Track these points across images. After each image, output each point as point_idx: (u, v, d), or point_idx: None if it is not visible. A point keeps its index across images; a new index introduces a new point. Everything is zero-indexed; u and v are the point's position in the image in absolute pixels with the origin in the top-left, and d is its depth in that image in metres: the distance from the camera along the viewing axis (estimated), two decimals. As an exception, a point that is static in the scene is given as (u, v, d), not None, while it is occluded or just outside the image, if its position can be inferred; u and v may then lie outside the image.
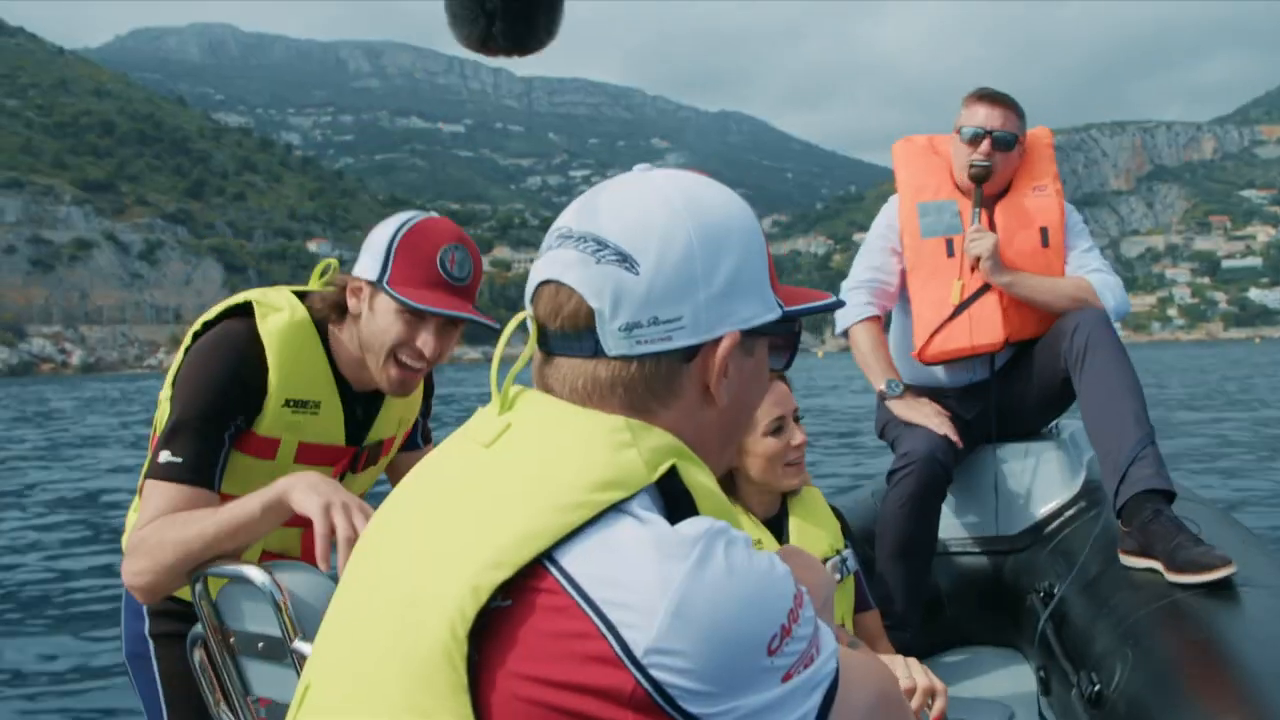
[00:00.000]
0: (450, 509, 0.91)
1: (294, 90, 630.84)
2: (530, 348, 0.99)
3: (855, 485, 4.50)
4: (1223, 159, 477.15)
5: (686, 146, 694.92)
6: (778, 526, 2.24)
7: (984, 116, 3.08)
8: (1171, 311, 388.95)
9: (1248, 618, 2.02)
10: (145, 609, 2.11)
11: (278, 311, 1.97)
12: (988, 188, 3.10)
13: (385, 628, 0.88)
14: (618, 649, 0.79)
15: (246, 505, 1.75)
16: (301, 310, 1.99)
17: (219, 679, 1.88)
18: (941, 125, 3.30)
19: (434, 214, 2.01)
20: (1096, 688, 2.08)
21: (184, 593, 1.92)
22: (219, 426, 1.87)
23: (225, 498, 1.87)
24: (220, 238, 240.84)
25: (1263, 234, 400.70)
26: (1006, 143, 3.07)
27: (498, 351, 1.01)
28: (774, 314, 0.99)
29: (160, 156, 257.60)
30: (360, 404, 2.09)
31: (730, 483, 2.23)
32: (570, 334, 0.95)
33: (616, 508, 0.86)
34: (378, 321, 1.92)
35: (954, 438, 2.92)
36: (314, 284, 2.06)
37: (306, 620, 1.67)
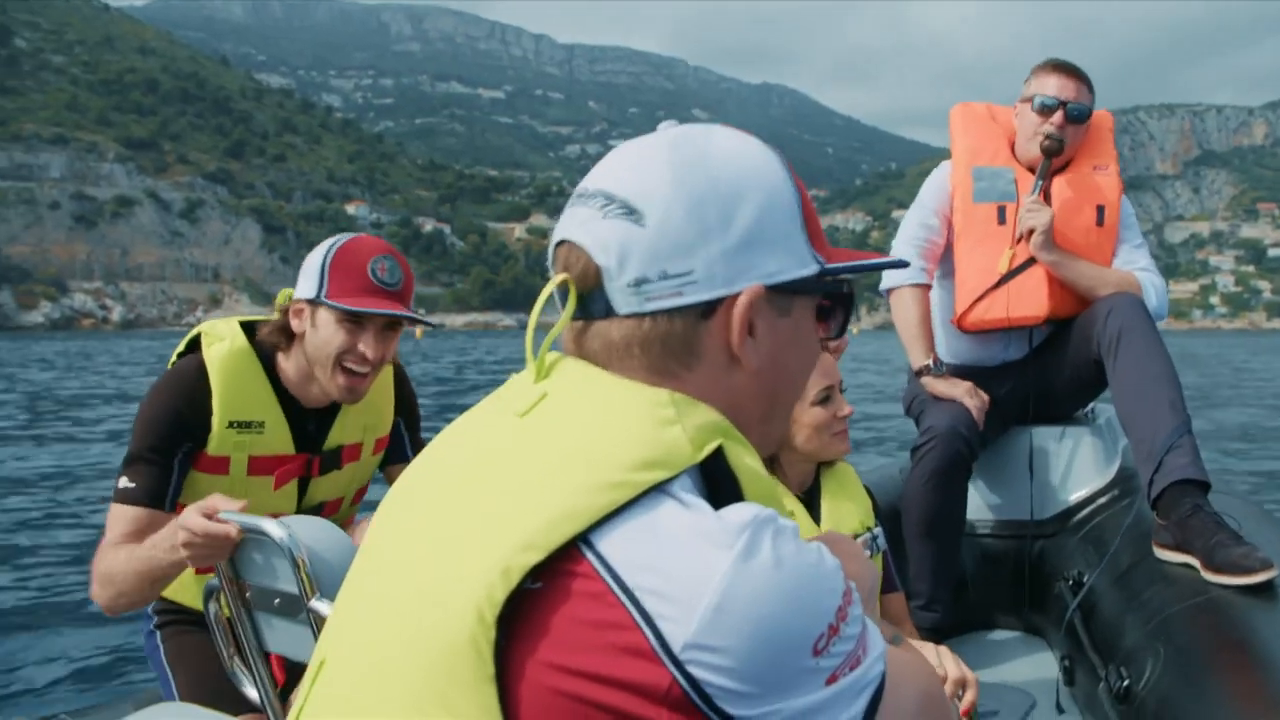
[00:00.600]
0: (480, 482, 0.86)
1: (336, 52, 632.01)
2: (568, 313, 0.93)
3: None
4: (1274, 145, 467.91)
5: (728, 118, 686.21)
6: (811, 500, 2.22)
7: (1057, 86, 2.98)
8: (1214, 299, 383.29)
9: None
10: (149, 606, 2.32)
11: (220, 341, 2.16)
12: (1054, 161, 3.00)
13: (408, 607, 0.83)
14: (654, 642, 0.74)
15: (158, 558, 1.92)
16: (242, 338, 2.17)
17: (233, 633, 1.90)
18: (984, 101, 3.37)
19: (363, 235, 2.19)
20: (1125, 683, 2.04)
21: (180, 596, 2.25)
22: (166, 455, 2.08)
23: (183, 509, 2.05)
24: (260, 198, 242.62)
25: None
26: (1081, 115, 2.98)
27: (533, 317, 0.95)
28: (809, 269, 0.93)
29: (202, 115, 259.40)
30: (311, 418, 2.24)
31: (772, 455, 2.18)
32: (582, 294, 0.91)
33: (658, 489, 0.80)
34: (320, 334, 2.09)
35: (977, 417, 2.86)
36: (276, 312, 2.21)
37: (324, 578, 1.66)
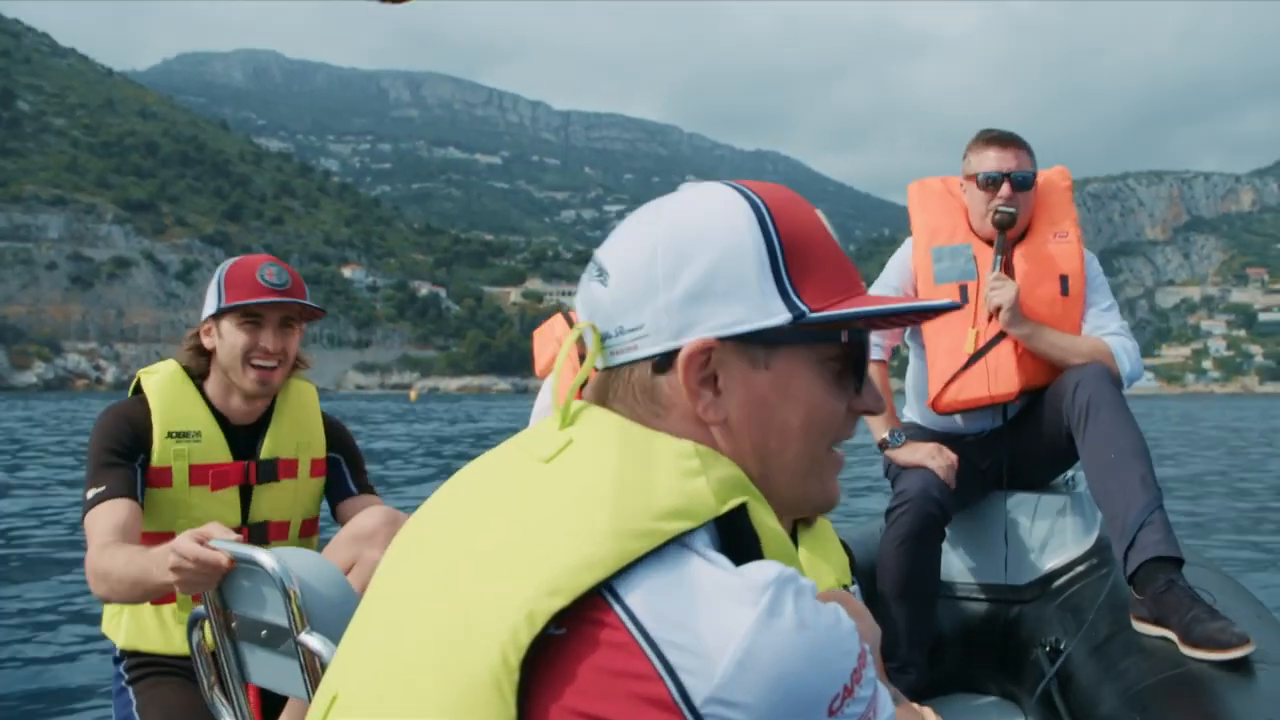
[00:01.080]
0: (504, 525, 0.87)
1: (335, 117, 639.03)
2: (590, 362, 0.95)
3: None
4: (1261, 211, 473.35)
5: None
6: None
7: (997, 159, 3.00)
8: (1206, 364, 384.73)
9: (1261, 695, 1.97)
10: (118, 652, 2.43)
11: (156, 373, 2.45)
12: (1010, 232, 3.01)
13: (428, 645, 0.84)
14: (676, 695, 0.76)
15: (151, 573, 1.99)
16: (175, 365, 2.44)
17: (215, 663, 1.90)
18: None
19: (251, 254, 2.45)
20: None
21: (151, 644, 2.37)
22: (127, 458, 2.29)
23: (143, 536, 2.24)
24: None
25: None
26: (1026, 182, 3.00)
27: (558, 365, 1.00)
28: (777, 319, 0.91)
29: (201, 178, 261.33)
30: (242, 433, 2.45)
31: None
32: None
33: (680, 541, 0.82)
34: (226, 341, 2.37)
35: (944, 478, 2.87)
36: (184, 344, 2.49)
37: (315, 611, 1.65)
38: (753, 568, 0.81)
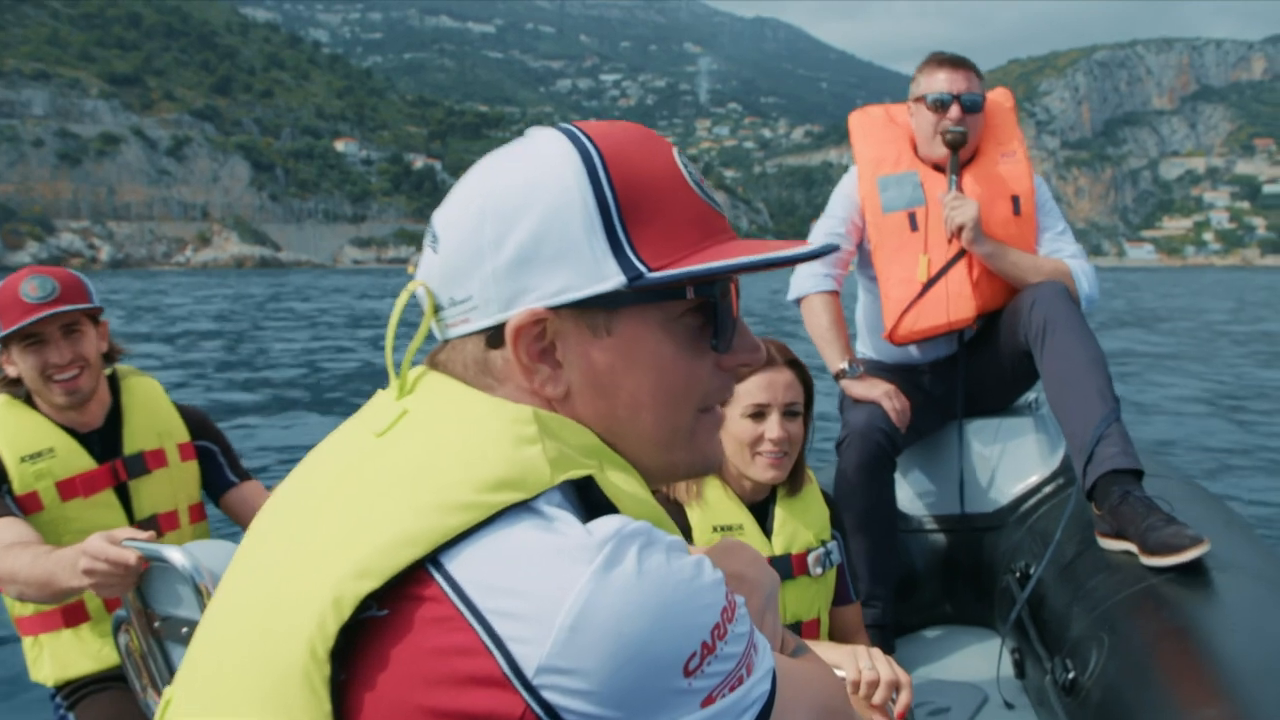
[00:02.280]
0: (327, 505, 0.80)
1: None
2: (422, 329, 0.89)
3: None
4: (1273, 80, 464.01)
5: (720, 52, 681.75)
6: (764, 511, 2.17)
7: (947, 81, 2.99)
8: (1207, 236, 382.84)
9: (1224, 603, 2.00)
10: (52, 690, 2.38)
11: None
12: (960, 153, 3.01)
13: (246, 639, 0.77)
14: (506, 668, 0.68)
15: (59, 576, 1.97)
16: (3, 395, 2.36)
17: (146, 664, 1.89)
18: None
19: (17, 271, 2.34)
20: (1071, 675, 2.06)
21: (80, 669, 2.33)
22: None
23: None
24: (247, 135, 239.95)
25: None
26: (976, 105, 2.99)
27: (389, 334, 0.90)
28: (608, 284, 0.82)
29: (187, 51, 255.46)
30: (95, 440, 2.39)
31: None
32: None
33: (519, 507, 0.75)
34: (20, 367, 2.29)
35: (895, 420, 2.84)
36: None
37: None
38: (595, 524, 0.74)
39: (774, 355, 2.14)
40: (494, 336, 0.84)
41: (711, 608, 0.74)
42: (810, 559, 2.17)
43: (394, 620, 0.72)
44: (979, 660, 2.83)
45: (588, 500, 0.81)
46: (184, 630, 1.75)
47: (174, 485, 2.46)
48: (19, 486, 2.27)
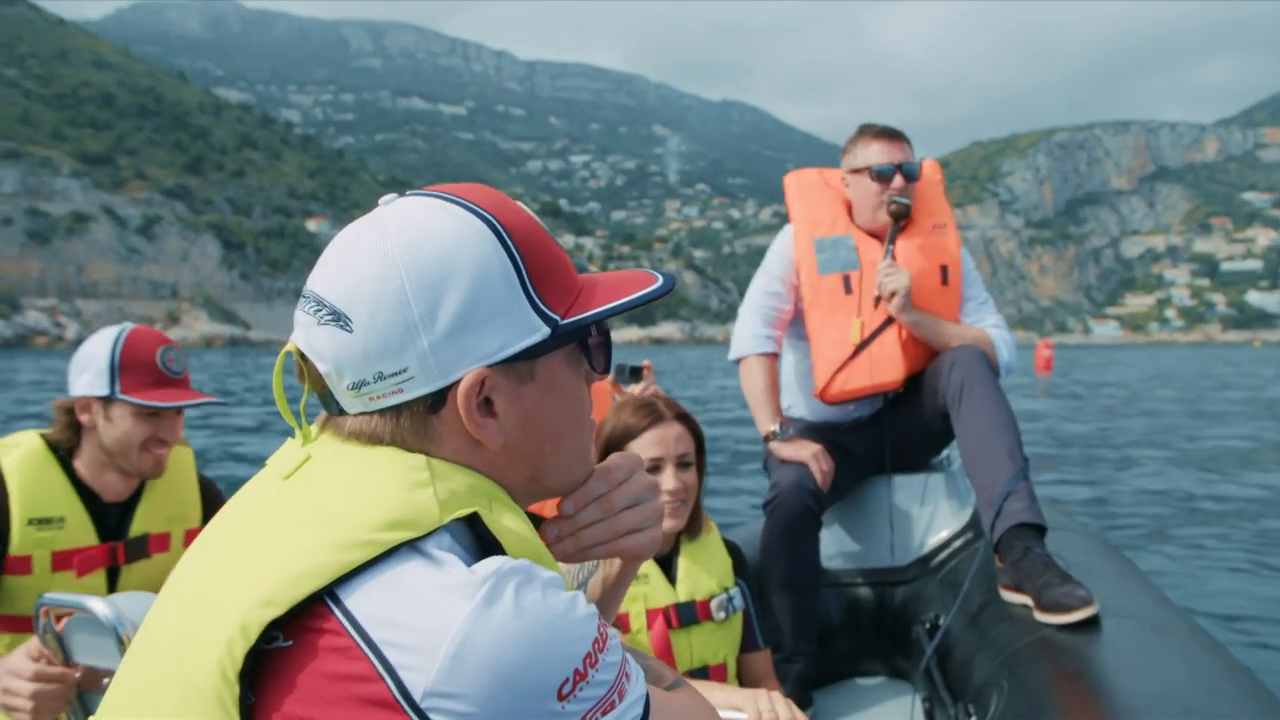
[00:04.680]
0: (235, 542, 0.87)
1: (295, 68, 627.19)
2: (306, 390, 0.96)
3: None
4: (1226, 161, 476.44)
5: (689, 134, 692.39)
6: (669, 563, 2.26)
7: (886, 152, 3.06)
8: (1170, 312, 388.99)
9: (1115, 647, 2.09)
10: None
11: (16, 447, 2.24)
12: (889, 225, 3.08)
13: (161, 664, 0.83)
14: (395, 692, 0.76)
15: None
16: (38, 441, 2.24)
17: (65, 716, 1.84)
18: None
19: (133, 324, 2.28)
20: (972, 718, 2.13)
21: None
22: None
23: (4, 619, 2.19)
24: (219, 214, 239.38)
25: (1264, 237, 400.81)
26: (914, 173, 3.07)
27: (276, 387, 0.95)
28: (537, 335, 0.93)
29: (160, 131, 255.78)
30: (113, 511, 2.31)
31: None
32: (318, 393, 0.95)
33: (410, 546, 0.83)
34: (119, 428, 2.20)
35: (821, 482, 2.91)
36: (57, 413, 2.30)
37: None
38: (479, 565, 0.82)
39: (663, 411, 2.20)
40: (435, 402, 0.91)
41: (583, 639, 0.81)
42: (713, 605, 2.24)
43: (297, 650, 0.79)
44: (893, 709, 2.90)
45: (476, 536, 0.88)
46: (104, 681, 1.70)
47: (165, 570, 2.35)
48: (16, 548, 2.19)
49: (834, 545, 3.24)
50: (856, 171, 3.10)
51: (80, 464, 2.27)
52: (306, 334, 0.93)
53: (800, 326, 3.20)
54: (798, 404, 3.30)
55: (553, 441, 0.99)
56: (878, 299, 3.03)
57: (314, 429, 0.96)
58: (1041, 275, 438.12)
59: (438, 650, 0.76)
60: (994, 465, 2.64)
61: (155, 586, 2.35)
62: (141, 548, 2.35)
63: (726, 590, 2.28)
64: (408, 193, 0.97)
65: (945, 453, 3.36)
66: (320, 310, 0.91)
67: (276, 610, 0.78)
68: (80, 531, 2.25)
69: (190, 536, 2.45)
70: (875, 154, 3.07)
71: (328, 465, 0.91)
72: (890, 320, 3.04)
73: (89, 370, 2.21)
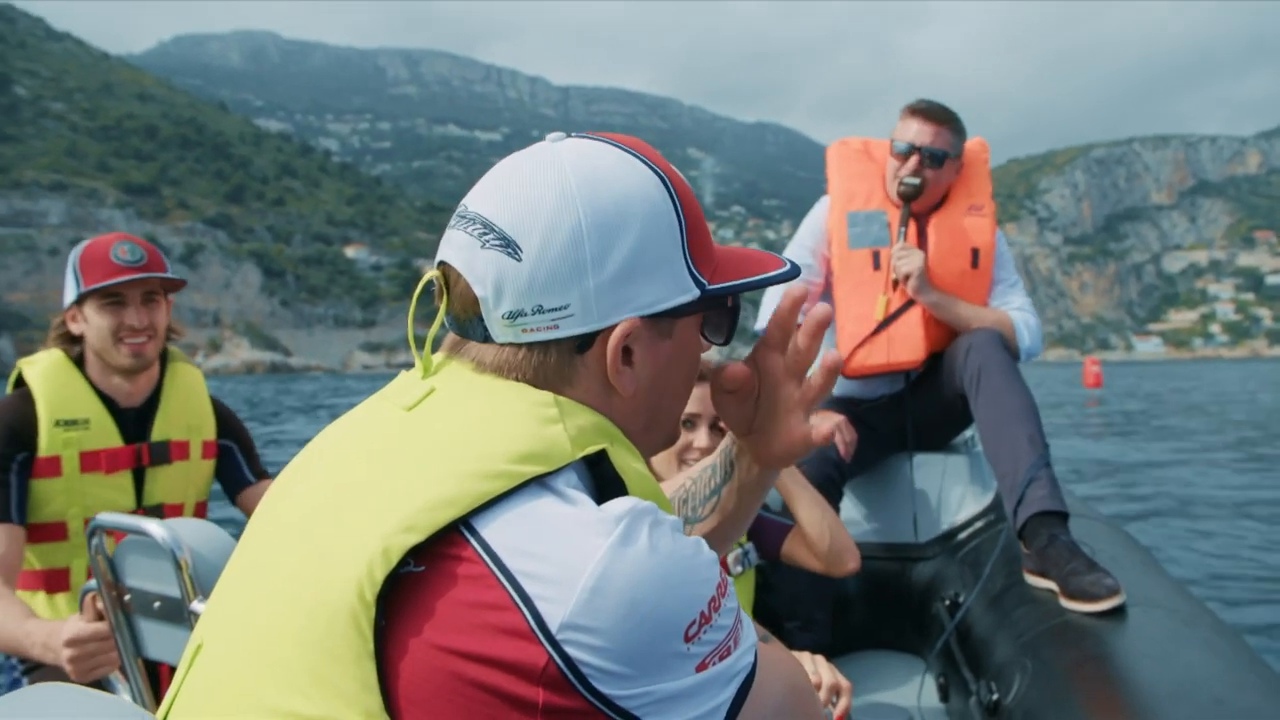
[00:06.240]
0: (365, 470, 0.87)
1: (333, 97, 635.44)
2: (439, 317, 0.95)
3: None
4: (1269, 173, 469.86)
5: (724, 157, 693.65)
6: None
7: (915, 131, 3.03)
8: (1214, 328, 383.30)
9: (1138, 634, 2.10)
10: (4, 658, 2.37)
11: (37, 361, 2.40)
12: (919, 204, 3.06)
13: (288, 587, 0.84)
14: (532, 622, 0.76)
15: (24, 646, 1.97)
16: (58, 353, 2.40)
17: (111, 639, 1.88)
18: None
19: (103, 235, 2.40)
20: (995, 697, 2.14)
21: None
22: (3, 470, 2.24)
23: (33, 528, 2.30)
24: (259, 242, 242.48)
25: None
26: (936, 159, 3.01)
27: (410, 315, 0.98)
28: (689, 295, 0.94)
29: (201, 161, 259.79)
30: (131, 416, 2.43)
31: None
32: (461, 318, 0.94)
33: (540, 482, 0.83)
34: (93, 324, 2.33)
35: (844, 453, 2.91)
36: (52, 332, 2.45)
37: (206, 581, 1.61)
38: (610, 504, 0.83)
39: (704, 371, 2.34)
40: (583, 343, 0.91)
41: (709, 582, 0.82)
42: (730, 560, 2.29)
43: (431, 576, 0.79)
44: (906, 685, 2.91)
45: (599, 476, 0.89)
46: (156, 605, 1.72)
47: (188, 479, 2.50)
48: (45, 449, 2.30)
49: (854, 518, 3.26)
50: (891, 144, 3.09)
51: (90, 372, 2.40)
52: (467, 255, 0.92)
53: (828, 300, 3.16)
54: None
55: (671, 398, 1.01)
56: (895, 281, 3.03)
57: (435, 360, 0.96)
58: (1081, 292, 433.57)
59: (575, 583, 0.76)
60: (1014, 452, 2.64)
61: (180, 494, 2.50)
62: (164, 453, 2.45)
63: (741, 546, 2.33)
64: (574, 134, 0.97)
65: (969, 433, 3.37)
66: (488, 234, 0.90)
67: (418, 536, 0.79)
68: (105, 432, 2.36)
69: (207, 448, 2.56)
70: (906, 131, 3.05)
71: (455, 398, 0.91)
72: (913, 300, 3.03)
73: (66, 285, 2.35)
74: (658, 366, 0.96)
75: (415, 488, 0.82)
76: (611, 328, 0.91)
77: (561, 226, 0.88)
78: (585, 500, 0.83)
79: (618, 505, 0.82)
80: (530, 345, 0.91)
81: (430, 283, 0.96)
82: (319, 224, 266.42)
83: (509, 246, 0.89)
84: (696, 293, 0.94)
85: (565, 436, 0.87)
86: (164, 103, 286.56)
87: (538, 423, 0.87)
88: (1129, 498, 10.81)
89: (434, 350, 0.97)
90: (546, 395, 0.90)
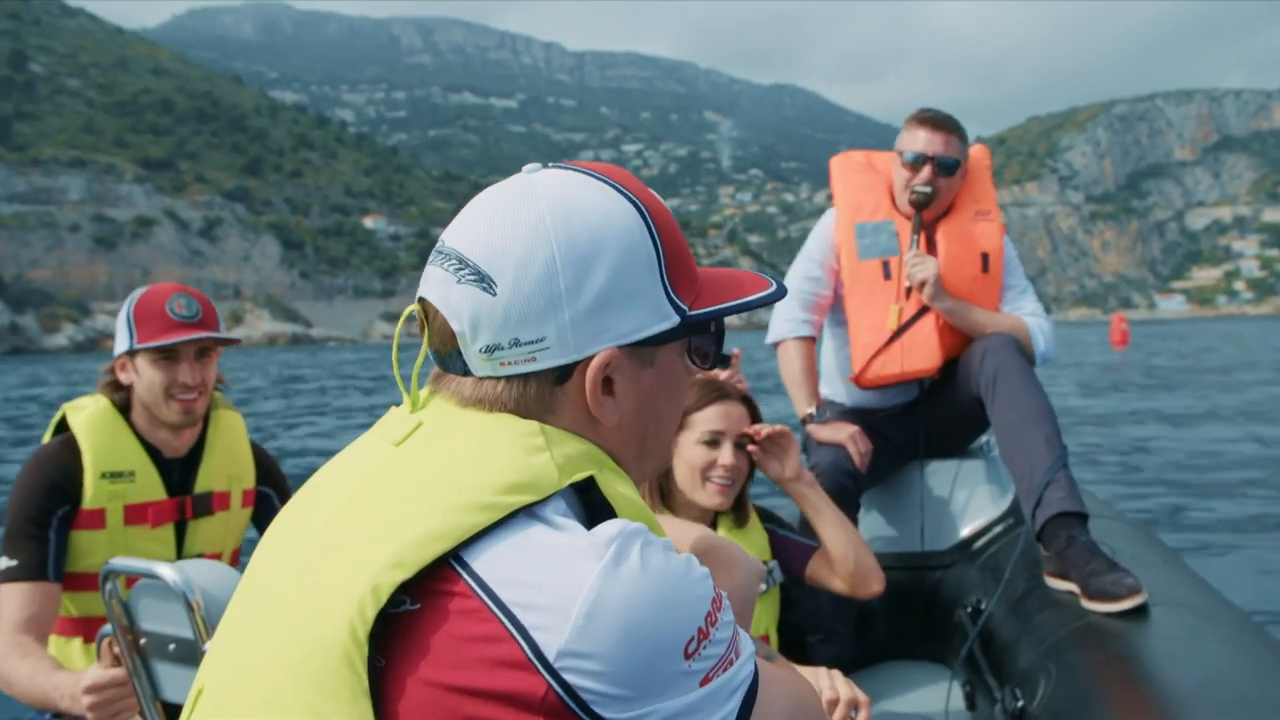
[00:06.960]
0: (355, 507, 0.88)
1: (347, 68, 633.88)
2: (424, 349, 0.96)
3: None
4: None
5: (741, 119, 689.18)
6: None
7: (925, 141, 3.03)
8: (1238, 285, 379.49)
9: (1162, 635, 2.09)
10: (33, 714, 2.29)
11: (84, 409, 2.36)
12: (928, 212, 3.07)
13: (282, 627, 0.84)
14: (529, 652, 0.76)
15: (52, 699, 1.97)
16: (105, 401, 2.36)
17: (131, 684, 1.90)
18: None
19: (159, 284, 2.39)
20: (1020, 703, 2.12)
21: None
22: (42, 525, 2.21)
23: (71, 577, 2.27)
24: (278, 214, 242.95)
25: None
26: (948, 168, 3.03)
27: (394, 351, 0.99)
28: (668, 322, 0.94)
29: (218, 134, 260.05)
30: (175, 467, 2.41)
31: (666, 483, 2.28)
32: (441, 352, 0.94)
33: (528, 511, 0.83)
34: (144, 378, 2.31)
35: (859, 463, 2.94)
36: (101, 378, 2.42)
37: (219, 621, 1.52)
38: (599, 527, 0.83)
39: (730, 390, 2.25)
40: (562, 375, 0.92)
41: (704, 598, 0.82)
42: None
43: (426, 613, 0.79)
44: (931, 694, 2.89)
45: (588, 503, 0.90)
46: (171, 647, 1.73)
47: (227, 529, 2.51)
48: (89, 501, 2.28)
49: (872, 529, 3.25)
50: (899, 153, 3.09)
51: (136, 421, 2.37)
52: (443, 290, 0.92)
53: (840, 312, 3.21)
54: (836, 390, 3.30)
55: (657, 426, 1.01)
56: (909, 289, 3.04)
57: (423, 394, 0.97)
58: (1104, 251, 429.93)
59: (570, 610, 0.76)
60: (1031, 455, 2.64)
61: (219, 544, 2.49)
62: (206, 504, 2.44)
63: (766, 564, 2.32)
64: (550, 165, 0.98)
65: (985, 438, 3.36)
66: (462, 269, 0.91)
67: (406, 573, 0.78)
68: (149, 485, 2.35)
69: (247, 496, 2.55)
70: (914, 141, 3.05)
71: (442, 431, 0.91)
72: (927, 308, 3.05)
73: (119, 332, 2.33)
74: (641, 394, 0.97)
75: (404, 523, 0.82)
76: (590, 358, 0.91)
77: (535, 259, 0.89)
78: (575, 526, 0.83)
79: (607, 529, 0.82)
80: (509, 378, 0.91)
81: (411, 316, 0.97)
82: (336, 195, 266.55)
83: (483, 281, 0.89)
84: (677, 319, 0.94)
85: (552, 465, 0.87)
86: (179, 76, 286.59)
87: (524, 452, 0.87)
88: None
89: (420, 385, 0.97)
90: (532, 425, 0.90)
